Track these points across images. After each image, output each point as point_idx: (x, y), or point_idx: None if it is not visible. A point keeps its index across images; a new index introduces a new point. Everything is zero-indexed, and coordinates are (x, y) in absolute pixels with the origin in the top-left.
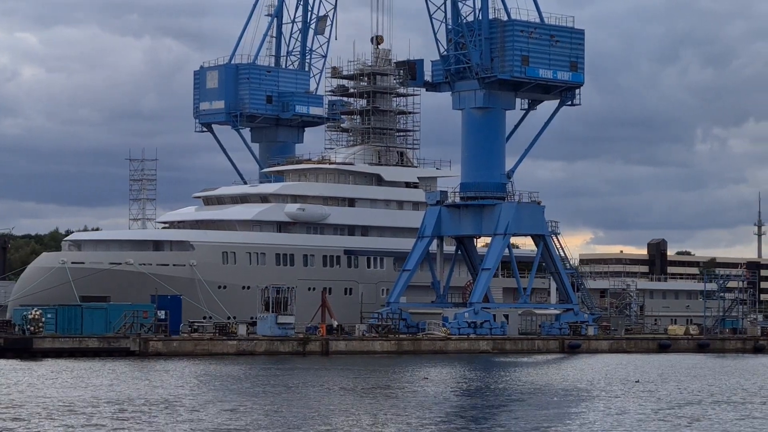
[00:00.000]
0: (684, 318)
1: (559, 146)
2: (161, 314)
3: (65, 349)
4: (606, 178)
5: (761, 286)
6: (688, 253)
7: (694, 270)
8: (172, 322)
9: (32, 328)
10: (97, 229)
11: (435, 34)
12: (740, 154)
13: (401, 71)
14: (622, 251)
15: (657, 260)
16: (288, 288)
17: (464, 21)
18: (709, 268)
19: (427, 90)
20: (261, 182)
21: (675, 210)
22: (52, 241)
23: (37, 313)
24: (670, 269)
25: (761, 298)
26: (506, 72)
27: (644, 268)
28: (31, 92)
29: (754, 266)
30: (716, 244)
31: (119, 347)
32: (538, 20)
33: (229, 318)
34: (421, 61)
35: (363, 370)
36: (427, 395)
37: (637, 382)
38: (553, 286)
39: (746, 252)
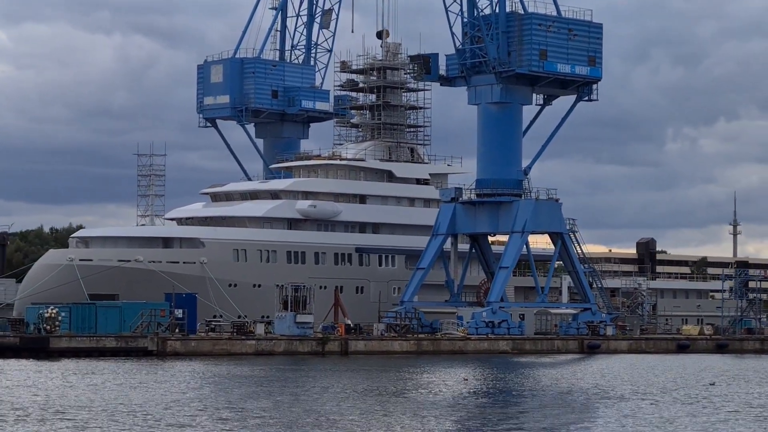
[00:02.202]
0: (695, 318)
1: (529, 145)
2: (179, 313)
3: (82, 349)
4: (576, 177)
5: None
6: (664, 252)
7: (685, 269)
8: (188, 321)
9: (48, 326)
10: (81, 227)
11: (450, 28)
12: (711, 154)
13: (415, 65)
14: (610, 250)
15: (646, 259)
16: (306, 286)
17: (481, 14)
18: (701, 267)
19: (441, 84)
20: (266, 178)
21: (645, 209)
22: (37, 239)
23: (54, 311)
24: (659, 268)
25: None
26: (524, 66)
27: (633, 268)
28: (0, 89)
29: (743, 266)
30: (686, 243)
31: (137, 347)
32: (555, 13)
33: (239, 317)
34: (436, 55)
35: (395, 371)
36: (479, 396)
37: (713, 384)
38: (565, 284)
39: (716, 251)
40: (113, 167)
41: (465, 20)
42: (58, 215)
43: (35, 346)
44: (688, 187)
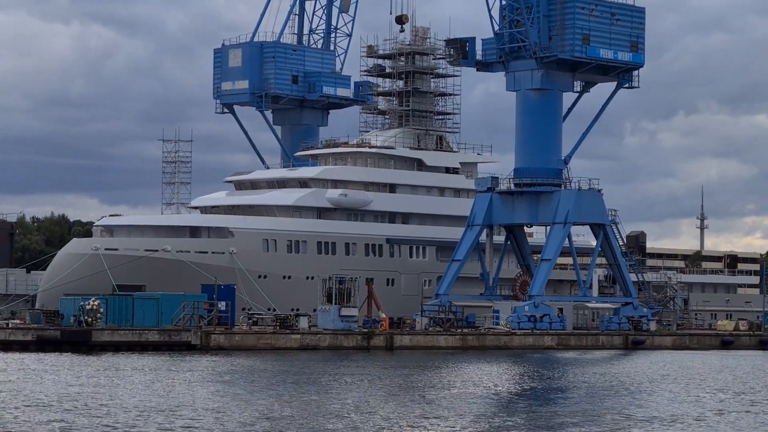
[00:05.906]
0: (724, 312)
1: (488, 138)
2: (221, 306)
3: (123, 343)
4: None
5: None
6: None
7: (678, 263)
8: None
9: (90, 319)
10: (64, 216)
11: (489, 11)
12: (669, 148)
13: (452, 50)
14: None
15: (636, 252)
16: (351, 279)
17: None
18: (695, 261)
19: (478, 70)
20: (284, 166)
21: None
22: (21, 228)
23: (96, 303)
24: (650, 262)
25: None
26: (566, 51)
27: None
28: None
29: (733, 259)
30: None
31: (180, 341)
32: None
33: (269, 309)
34: (473, 39)
35: (470, 368)
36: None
37: None
38: (595, 277)
39: (674, 244)
40: (71, 157)
41: (504, 3)
42: (15, 205)
43: (77, 340)
44: (647, 181)
